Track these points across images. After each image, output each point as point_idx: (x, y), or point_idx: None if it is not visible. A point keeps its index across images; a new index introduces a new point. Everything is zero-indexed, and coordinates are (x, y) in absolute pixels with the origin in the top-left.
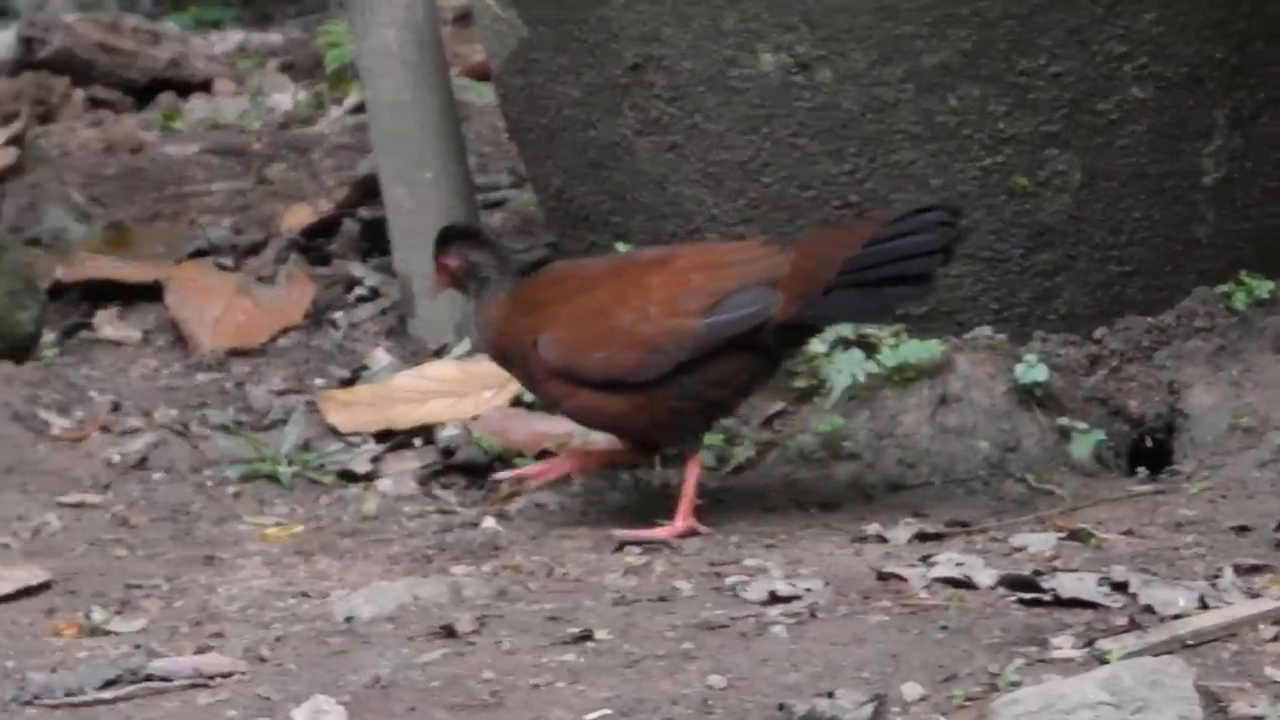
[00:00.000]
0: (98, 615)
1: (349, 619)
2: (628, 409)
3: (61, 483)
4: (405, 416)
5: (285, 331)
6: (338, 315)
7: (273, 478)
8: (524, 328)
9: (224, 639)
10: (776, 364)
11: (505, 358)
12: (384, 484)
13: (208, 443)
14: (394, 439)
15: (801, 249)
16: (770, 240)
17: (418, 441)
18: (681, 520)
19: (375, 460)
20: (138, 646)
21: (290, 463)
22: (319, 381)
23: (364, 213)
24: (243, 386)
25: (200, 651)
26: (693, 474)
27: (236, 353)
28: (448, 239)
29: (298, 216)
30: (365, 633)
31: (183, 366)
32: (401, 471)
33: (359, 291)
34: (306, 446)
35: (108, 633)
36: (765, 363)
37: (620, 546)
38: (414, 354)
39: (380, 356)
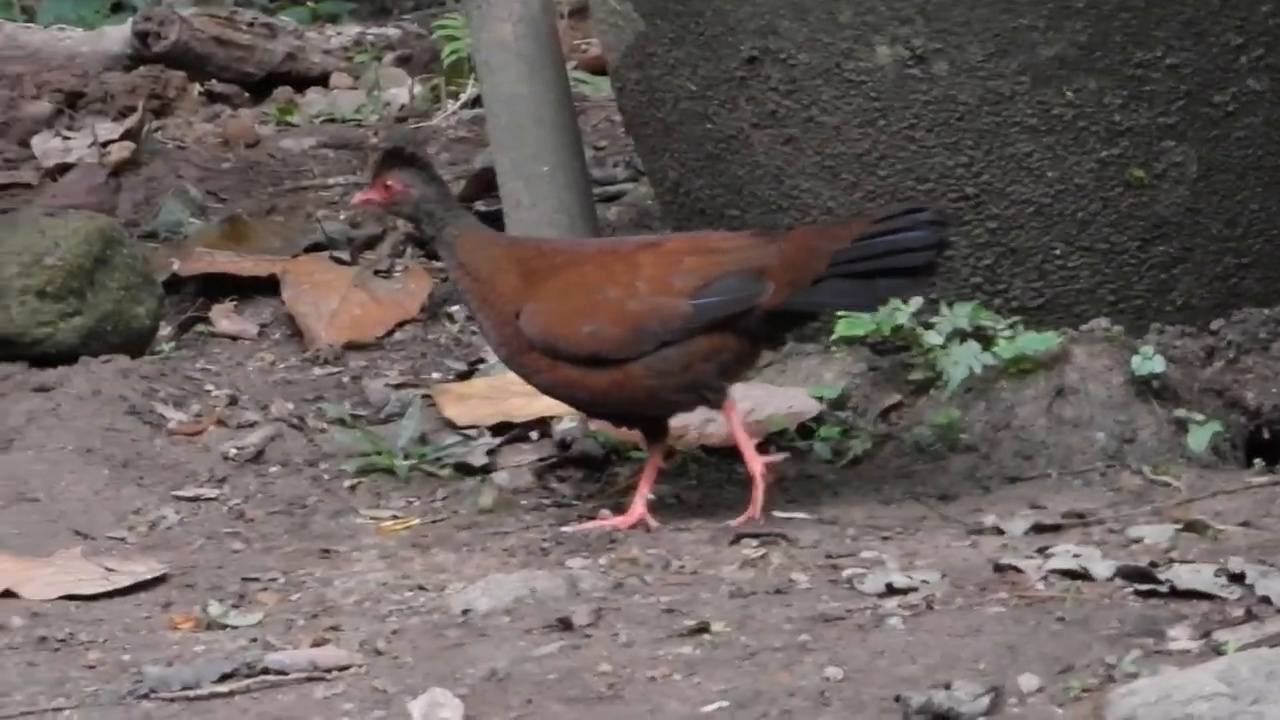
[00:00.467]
0: (214, 609)
1: (466, 612)
2: (609, 385)
3: (178, 477)
4: (521, 410)
5: (401, 325)
6: (454, 309)
7: (389, 471)
8: (507, 293)
9: (340, 632)
10: (758, 350)
11: (476, 304)
12: (500, 477)
13: (324, 436)
14: (510, 432)
15: (793, 241)
16: (761, 231)
17: (534, 434)
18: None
19: (491, 453)
20: (254, 640)
21: (406, 456)
22: (435, 375)
23: (480, 206)
24: (359, 380)
25: (317, 645)
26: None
27: (353, 346)
28: (390, 162)
29: None
30: (482, 626)
31: (299, 360)
32: (518, 464)
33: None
34: (423, 440)
35: (224, 626)
36: (747, 347)
37: (737, 539)
38: None
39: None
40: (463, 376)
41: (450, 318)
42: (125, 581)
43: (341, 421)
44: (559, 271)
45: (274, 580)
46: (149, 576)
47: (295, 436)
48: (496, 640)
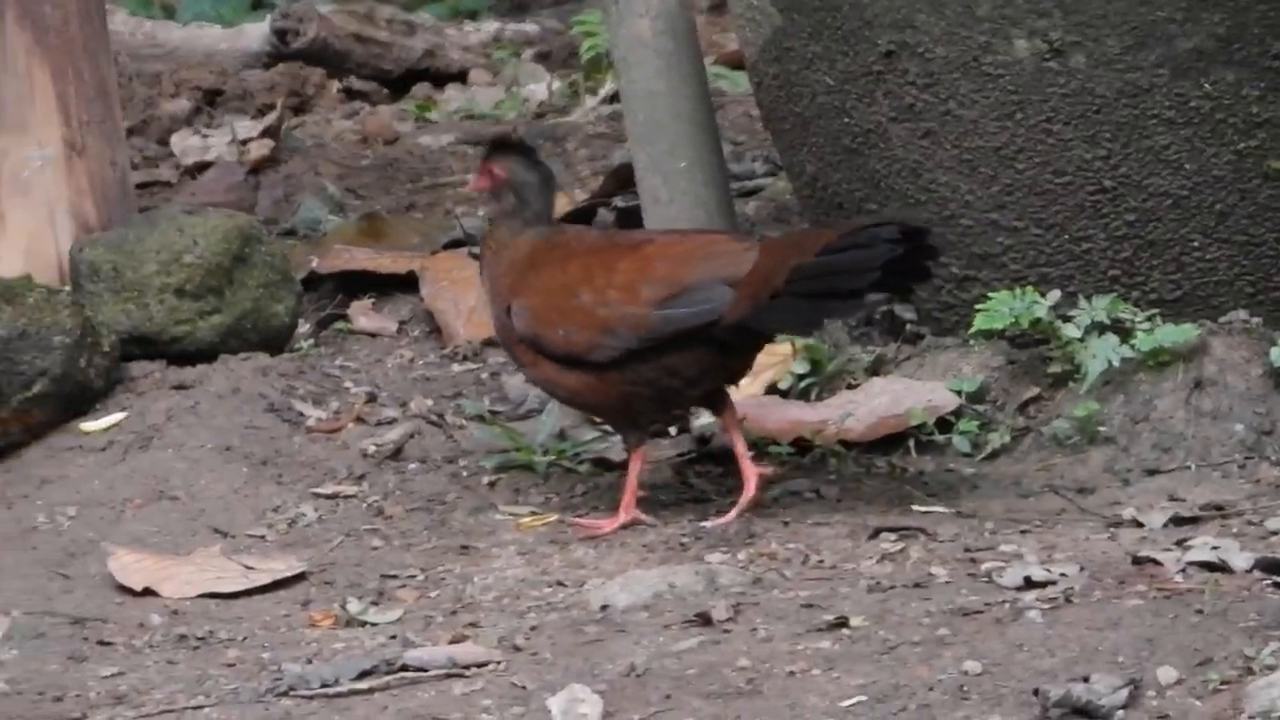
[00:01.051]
0: (353, 606)
1: (604, 607)
2: (582, 387)
3: (317, 474)
4: None
5: None
6: None
7: (528, 467)
8: (508, 285)
9: (479, 629)
10: (732, 359)
11: (491, 292)
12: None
13: (463, 433)
14: None
15: (766, 250)
16: (741, 236)
17: (672, 430)
18: (623, 512)
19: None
20: (393, 637)
21: (545, 452)
22: None
23: (619, 202)
24: (498, 377)
25: (455, 641)
26: (634, 467)
27: (492, 343)
28: (504, 149)
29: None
30: (621, 621)
31: (438, 357)
32: (657, 460)
33: None
34: (561, 436)
35: (363, 623)
36: (719, 357)
37: (876, 533)
38: None
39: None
40: None
41: None
42: (264, 579)
43: (480, 418)
44: (549, 268)
45: (413, 577)
46: (288, 574)
47: (434, 433)
48: (635, 636)
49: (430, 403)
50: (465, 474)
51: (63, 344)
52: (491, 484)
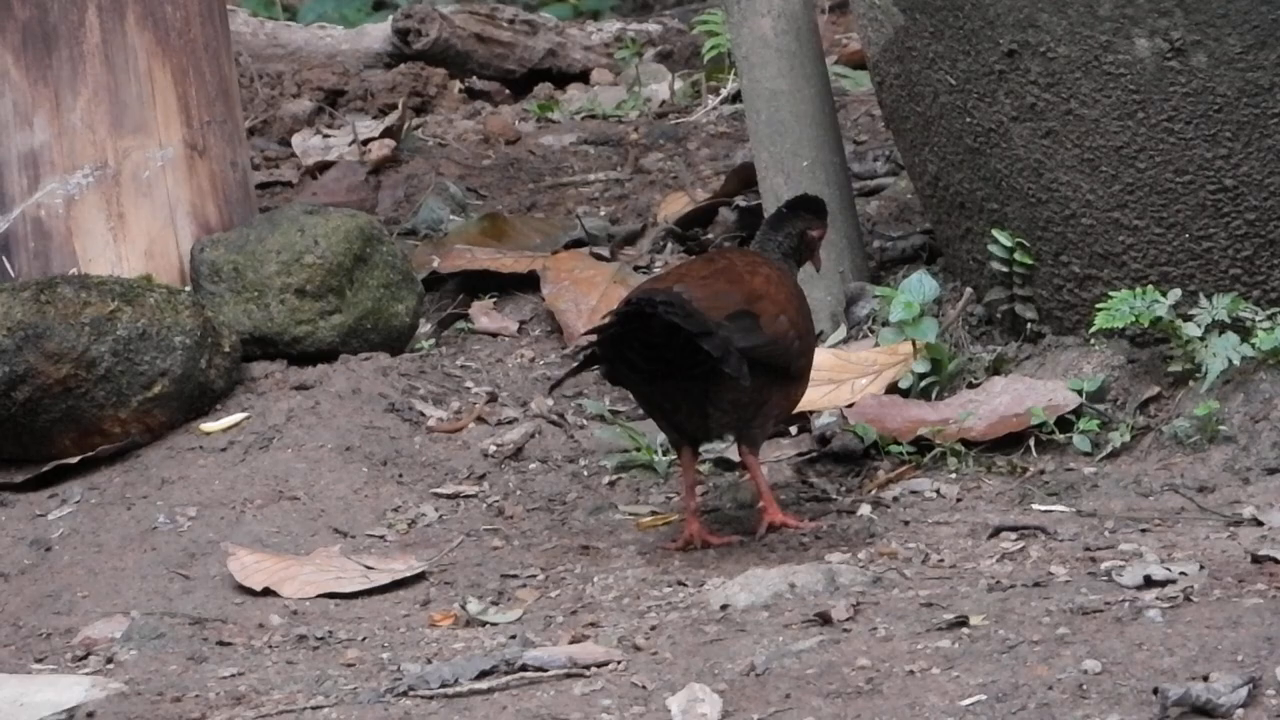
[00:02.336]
0: (473, 606)
1: (725, 607)
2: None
3: (438, 474)
4: None
5: None
6: None
7: (648, 467)
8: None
9: (599, 628)
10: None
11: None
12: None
13: (583, 433)
14: None
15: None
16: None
17: (793, 429)
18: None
19: None
20: (513, 637)
21: (666, 452)
22: None
23: (740, 201)
24: None
25: (575, 641)
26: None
27: None
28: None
29: (674, 205)
30: (741, 621)
31: (559, 356)
32: (776, 459)
33: None
34: None
35: (483, 623)
36: None
37: (996, 532)
38: None
39: None
40: None
41: None
42: (384, 579)
43: (601, 418)
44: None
45: (533, 577)
46: (408, 574)
47: (555, 433)
48: (755, 635)
49: (551, 402)
50: (586, 474)
51: (183, 344)
52: (612, 484)
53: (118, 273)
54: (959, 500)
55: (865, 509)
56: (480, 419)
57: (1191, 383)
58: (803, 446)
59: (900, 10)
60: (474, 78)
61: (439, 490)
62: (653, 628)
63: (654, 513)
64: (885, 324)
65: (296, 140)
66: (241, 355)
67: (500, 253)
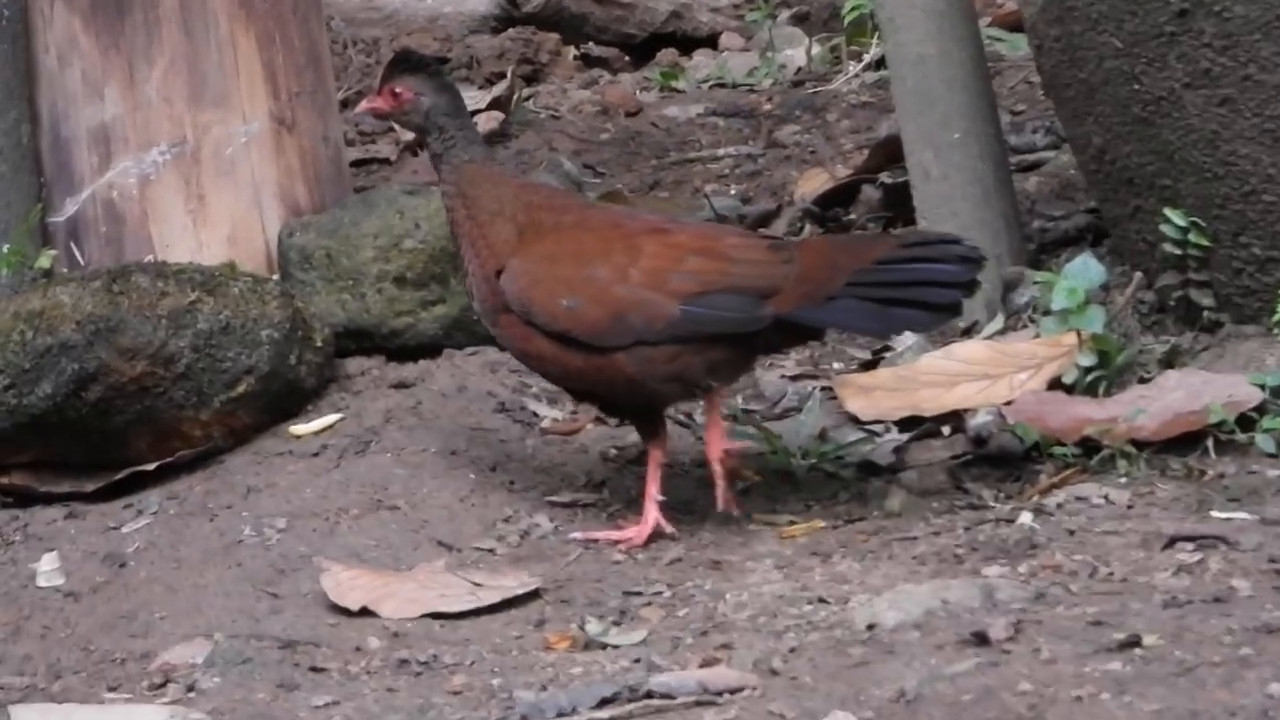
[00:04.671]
0: (593, 626)
1: (871, 626)
2: (583, 366)
3: (552, 480)
4: (932, 402)
5: None
6: None
7: (786, 471)
8: (498, 244)
9: (732, 650)
10: (754, 358)
11: (465, 246)
12: (909, 477)
13: None
14: (919, 427)
15: (810, 254)
16: (779, 245)
17: (945, 429)
18: (647, 520)
19: (899, 451)
20: (637, 660)
21: (805, 455)
22: (836, 365)
23: (885, 178)
24: (753, 372)
25: (706, 665)
26: (654, 465)
27: None
28: (399, 68)
29: (812, 183)
30: (889, 641)
31: None
32: (928, 463)
33: None
34: (823, 436)
35: (604, 645)
36: (739, 356)
37: (1171, 543)
38: (941, 333)
39: (905, 336)
40: (867, 366)
41: None
42: (494, 597)
43: (733, 418)
44: (558, 232)
45: (659, 594)
46: (520, 591)
47: (681, 434)
48: (905, 657)
49: None
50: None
51: (270, 338)
52: (746, 490)
53: (197, 260)
54: (1129, 507)
55: (1026, 517)
56: (599, 419)
57: None
58: (956, 448)
59: None
60: (590, 43)
61: (554, 498)
62: (791, 650)
63: (793, 521)
64: (1046, 313)
65: None
66: (335, 350)
67: None
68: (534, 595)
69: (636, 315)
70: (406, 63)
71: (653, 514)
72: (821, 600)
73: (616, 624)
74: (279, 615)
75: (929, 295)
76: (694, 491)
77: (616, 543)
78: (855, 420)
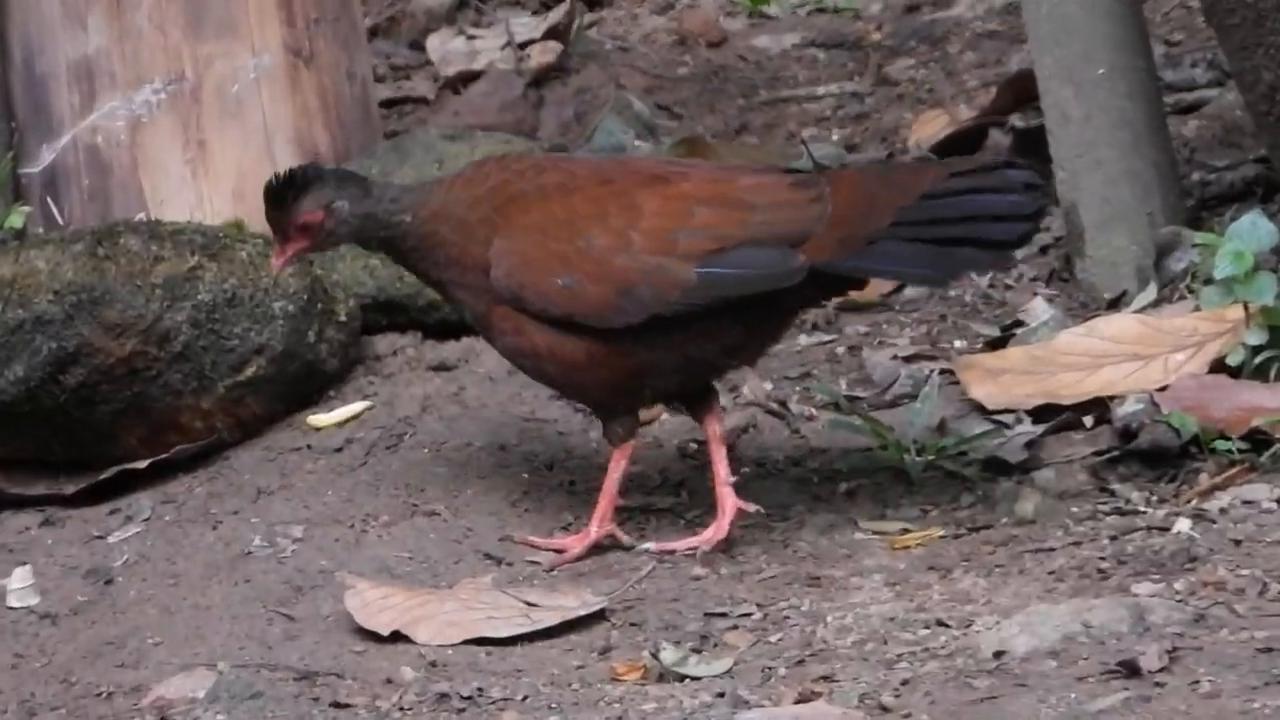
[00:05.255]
0: (668, 654)
1: (999, 654)
2: (583, 358)
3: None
4: (1071, 388)
5: None
6: None
7: (899, 471)
8: (479, 233)
9: (835, 683)
10: (786, 324)
11: (447, 262)
12: (1044, 476)
13: (811, 426)
14: (1057, 418)
15: (845, 189)
16: (804, 181)
17: (1088, 420)
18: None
19: (1032, 445)
20: (721, 695)
21: (920, 450)
22: (958, 343)
23: (1016, 121)
24: (858, 351)
25: (803, 700)
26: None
27: (851, 306)
28: (289, 196)
29: (930, 126)
30: (1021, 672)
31: None
32: (1067, 460)
33: None
34: (942, 429)
35: (682, 677)
36: (769, 324)
37: None
38: (1083, 305)
39: (1039, 309)
40: (995, 345)
41: None
42: (551, 620)
43: (835, 406)
44: (543, 201)
45: (747, 615)
46: (582, 613)
47: (775, 426)
48: (1039, 691)
49: (769, 386)
50: (815, 480)
51: (285, 312)
52: (850, 493)
53: (199, 218)
54: None
55: (1183, 524)
56: (676, 408)
57: None
58: (1101, 442)
59: None
60: None
61: (622, 502)
62: (904, 682)
63: (906, 529)
64: (1208, 281)
65: (433, 43)
66: (362, 326)
67: None
68: (598, 617)
69: (645, 287)
70: (291, 188)
71: (730, 500)
72: (940, 623)
73: (696, 651)
74: (295, 641)
75: (988, 231)
76: (790, 494)
77: (694, 550)
78: (981, 409)
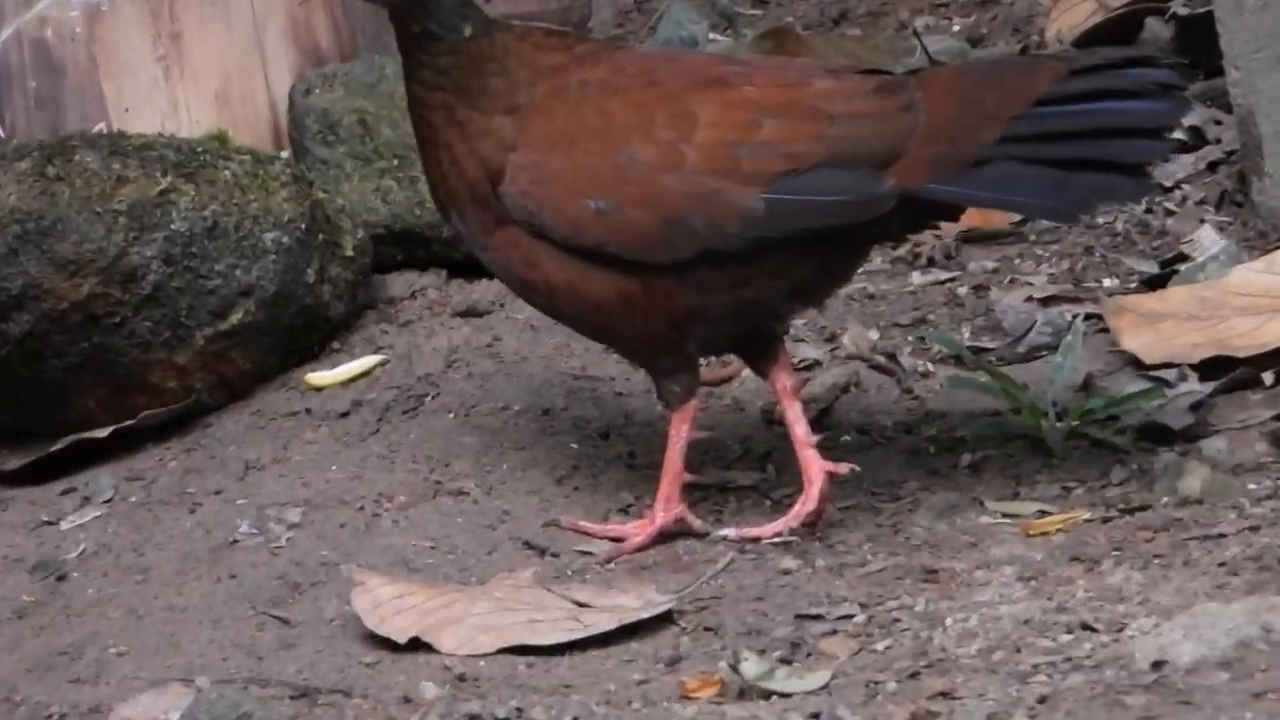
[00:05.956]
0: (750, 666)
1: (1158, 665)
2: (615, 299)
3: (692, 451)
4: (1248, 337)
5: None
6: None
7: (1034, 439)
8: (495, 139)
9: (955, 701)
10: (862, 258)
11: (443, 160)
12: (1214, 446)
13: (927, 384)
14: (1230, 374)
15: (941, 92)
16: (891, 84)
17: (1267, 377)
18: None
19: (1199, 408)
20: (815, 715)
21: (1061, 415)
22: (1106, 281)
23: (1179, 7)
24: (984, 291)
25: None
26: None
27: (974, 237)
28: None
29: (1073, 14)
30: (1185, 687)
31: (885, 259)
32: (1242, 425)
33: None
34: (1088, 387)
35: (767, 694)
36: (845, 259)
37: None
38: (1261, 235)
39: (1207, 239)
40: (1153, 284)
41: None
42: (607, 624)
43: (956, 359)
44: (582, 98)
45: (847, 618)
46: (645, 615)
47: (882, 385)
48: (1208, 710)
49: (875, 335)
50: (932, 450)
51: (278, 245)
52: (974, 466)
53: (172, 128)
54: None
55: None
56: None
57: None
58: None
59: None
60: None
61: (695, 477)
62: (1041, 699)
63: (1044, 511)
64: None
65: None
66: (373, 262)
67: None
68: (665, 620)
69: (699, 215)
70: None
71: (816, 464)
72: (1086, 627)
73: (785, 662)
74: (291, 650)
75: (1124, 150)
76: (900, 468)
77: (780, 536)
78: (1135, 363)
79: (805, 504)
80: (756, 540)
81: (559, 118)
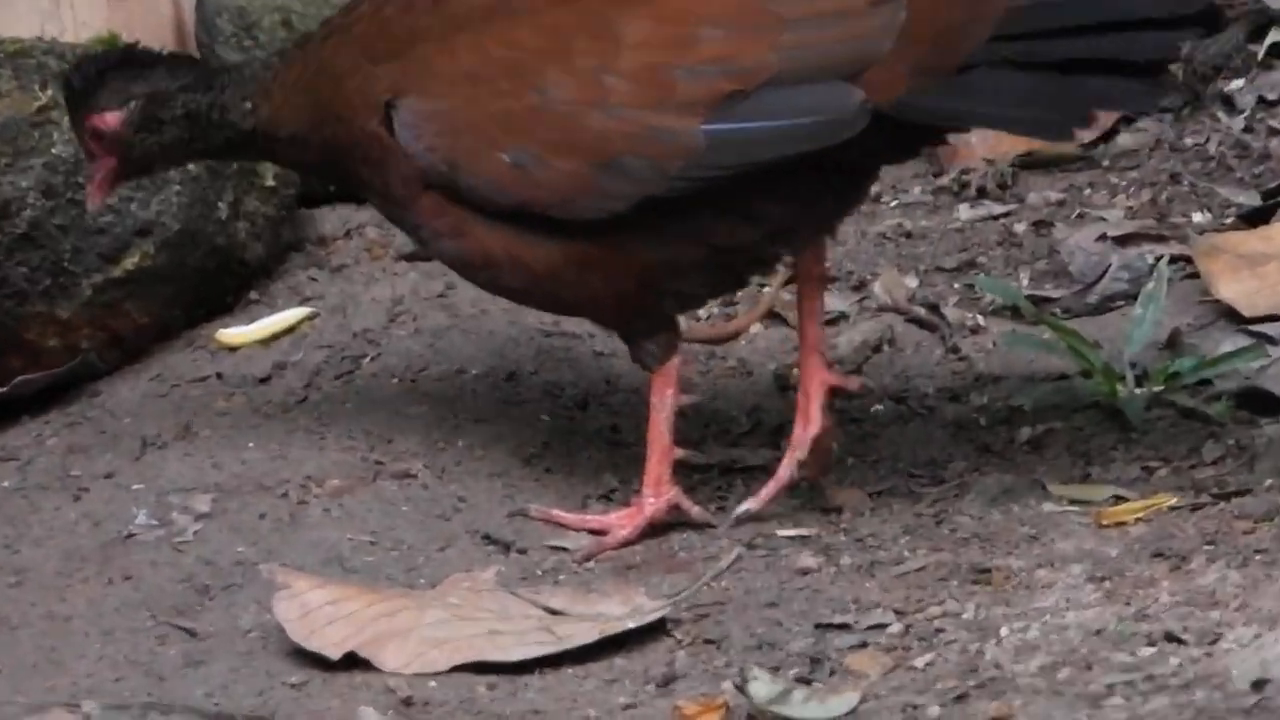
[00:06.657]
0: (759, 685)
1: (1259, 684)
2: (564, 265)
3: (691, 425)
4: None
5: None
6: (1234, 85)
7: (1108, 409)
8: (364, 90)
9: None
10: (859, 184)
11: (318, 149)
12: None
13: (976, 341)
14: None
15: None
16: None
17: None
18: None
19: None
20: None
21: (1142, 379)
22: (1197, 217)
23: None
24: (1046, 228)
25: None
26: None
27: (1034, 163)
28: (81, 102)
29: None
30: None
31: (927, 191)
32: None
33: (1275, 39)
34: (1173, 345)
35: (780, 719)
36: (835, 189)
37: None
38: None
39: None
40: (1253, 219)
41: (1226, 102)
42: (584, 635)
43: (1013, 311)
44: (467, 33)
45: (880, 628)
46: (632, 625)
47: (923, 343)
48: None
49: (913, 282)
50: (983, 422)
51: (184, 172)
52: (1034, 442)
53: (52, 29)
54: None
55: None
56: (771, 313)
57: None
58: None
59: None
60: None
61: (689, 454)
62: None
63: (1120, 496)
64: None
65: None
66: (299, 194)
67: None
68: (657, 631)
69: (633, 156)
70: (82, 80)
71: (816, 375)
72: (1171, 638)
73: (803, 682)
74: (199, 669)
75: (1133, 46)
76: (945, 444)
77: (783, 485)
78: (1232, 315)
79: (807, 426)
80: (763, 504)
81: (460, 51)
